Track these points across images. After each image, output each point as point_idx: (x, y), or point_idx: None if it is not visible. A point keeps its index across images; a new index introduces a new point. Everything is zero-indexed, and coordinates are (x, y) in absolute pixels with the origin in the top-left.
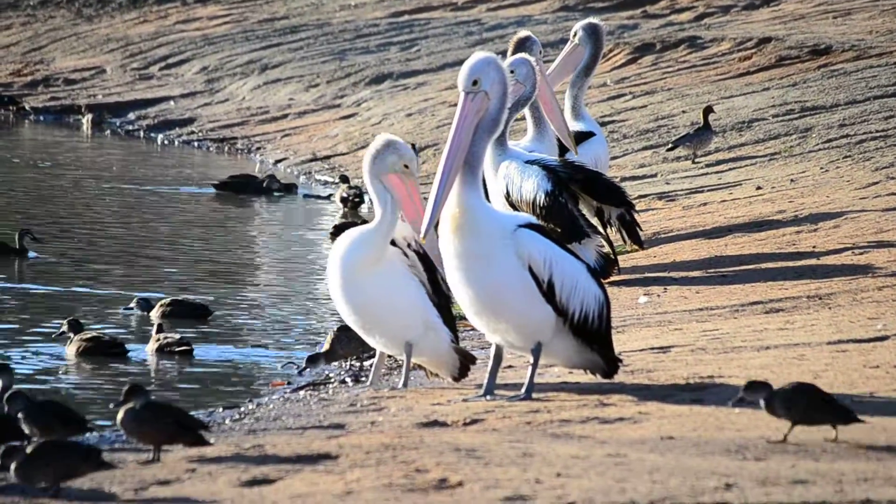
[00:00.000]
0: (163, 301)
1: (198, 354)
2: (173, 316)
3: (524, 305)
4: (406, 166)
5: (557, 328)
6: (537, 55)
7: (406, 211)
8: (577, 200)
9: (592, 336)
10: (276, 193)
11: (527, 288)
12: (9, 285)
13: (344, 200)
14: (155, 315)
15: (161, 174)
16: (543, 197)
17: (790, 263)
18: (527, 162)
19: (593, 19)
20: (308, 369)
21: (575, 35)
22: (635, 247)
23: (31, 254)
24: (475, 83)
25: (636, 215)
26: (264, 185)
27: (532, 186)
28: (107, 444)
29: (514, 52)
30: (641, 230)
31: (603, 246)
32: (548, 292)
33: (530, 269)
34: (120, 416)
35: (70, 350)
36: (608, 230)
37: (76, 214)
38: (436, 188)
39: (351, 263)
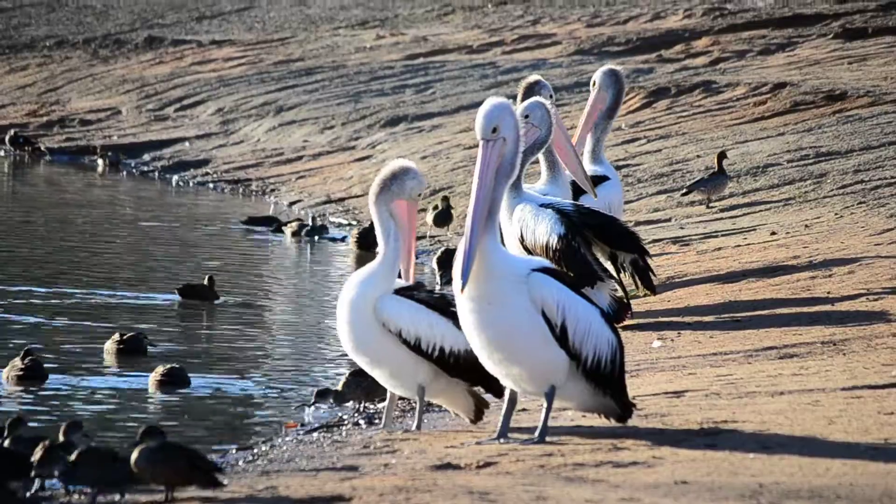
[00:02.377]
0: (114, 337)
1: (210, 394)
2: (119, 352)
3: (537, 349)
4: (419, 194)
5: (570, 372)
6: (548, 99)
7: (403, 242)
8: (590, 245)
9: (605, 380)
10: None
11: (540, 332)
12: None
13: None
14: (107, 349)
15: (203, 213)
16: (556, 241)
17: (804, 309)
18: (541, 206)
19: (611, 65)
20: (316, 404)
21: (593, 84)
22: (647, 292)
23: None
24: (494, 130)
25: (650, 261)
26: None
27: (545, 230)
28: None
29: (524, 97)
30: (655, 276)
31: (616, 290)
32: (561, 336)
33: (543, 314)
34: (134, 456)
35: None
36: (621, 275)
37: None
38: (466, 239)
39: (359, 305)
